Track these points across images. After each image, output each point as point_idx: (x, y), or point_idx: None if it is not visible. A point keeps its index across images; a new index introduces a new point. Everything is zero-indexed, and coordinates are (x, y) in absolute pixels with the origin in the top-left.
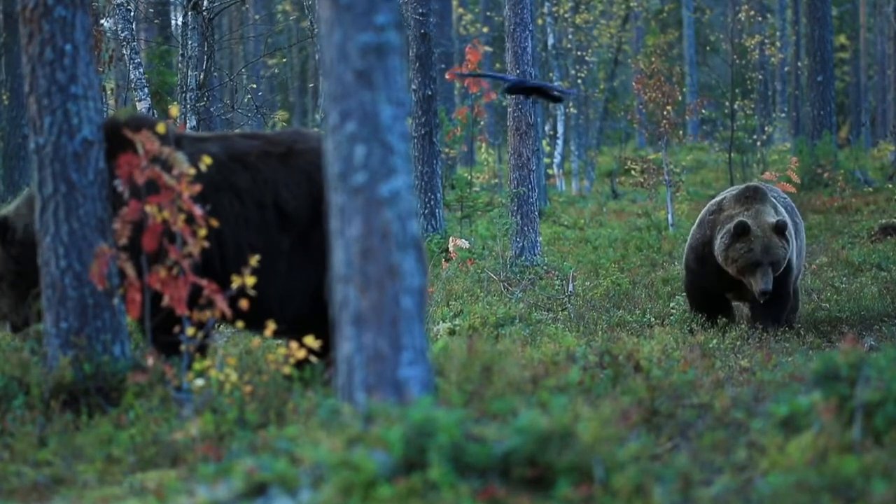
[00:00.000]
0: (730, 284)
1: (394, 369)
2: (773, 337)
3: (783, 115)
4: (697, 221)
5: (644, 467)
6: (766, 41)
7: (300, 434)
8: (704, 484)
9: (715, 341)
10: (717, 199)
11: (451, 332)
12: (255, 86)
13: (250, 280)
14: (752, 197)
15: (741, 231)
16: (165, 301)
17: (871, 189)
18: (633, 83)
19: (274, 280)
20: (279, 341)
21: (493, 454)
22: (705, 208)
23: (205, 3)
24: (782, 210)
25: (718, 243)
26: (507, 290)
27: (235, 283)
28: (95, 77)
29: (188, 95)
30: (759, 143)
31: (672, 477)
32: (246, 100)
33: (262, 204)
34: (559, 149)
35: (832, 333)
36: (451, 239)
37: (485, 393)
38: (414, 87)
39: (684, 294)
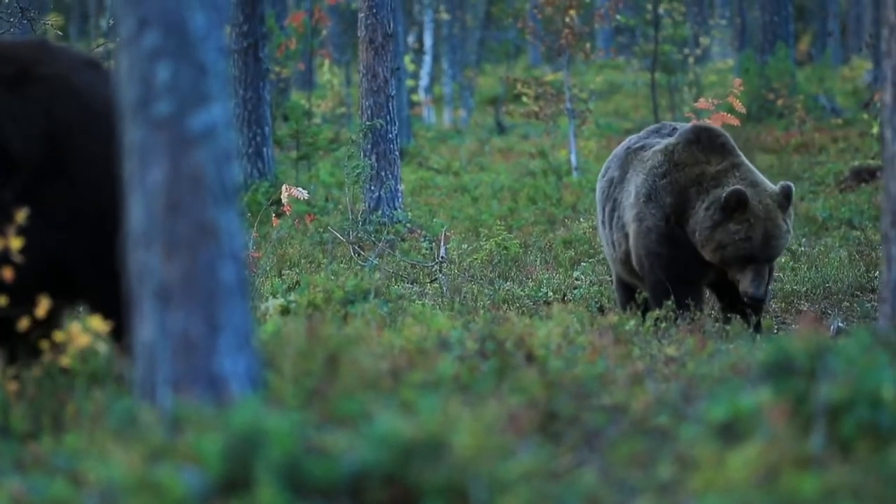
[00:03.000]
0: (708, 273)
1: (209, 359)
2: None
3: (724, 21)
4: (643, 194)
5: (538, 488)
6: None
7: (84, 446)
8: None
9: (632, 323)
10: (656, 150)
11: (285, 311)
12: None
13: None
14: (721, 145)
15: (736, 205)
16: None
17: (840, 120)
18: None
19: None
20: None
21: (340, 471)
22: (643, 173)
23: None
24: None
25: (703, 217)
26: (359, 255)
27: None
28: None
29: None
30: (691, 60)
31: (575, 500)
32: None
33: None
34: (427, 68)
35: (786, 312)
36: (283, 187)
37: (329, 391)
38: None
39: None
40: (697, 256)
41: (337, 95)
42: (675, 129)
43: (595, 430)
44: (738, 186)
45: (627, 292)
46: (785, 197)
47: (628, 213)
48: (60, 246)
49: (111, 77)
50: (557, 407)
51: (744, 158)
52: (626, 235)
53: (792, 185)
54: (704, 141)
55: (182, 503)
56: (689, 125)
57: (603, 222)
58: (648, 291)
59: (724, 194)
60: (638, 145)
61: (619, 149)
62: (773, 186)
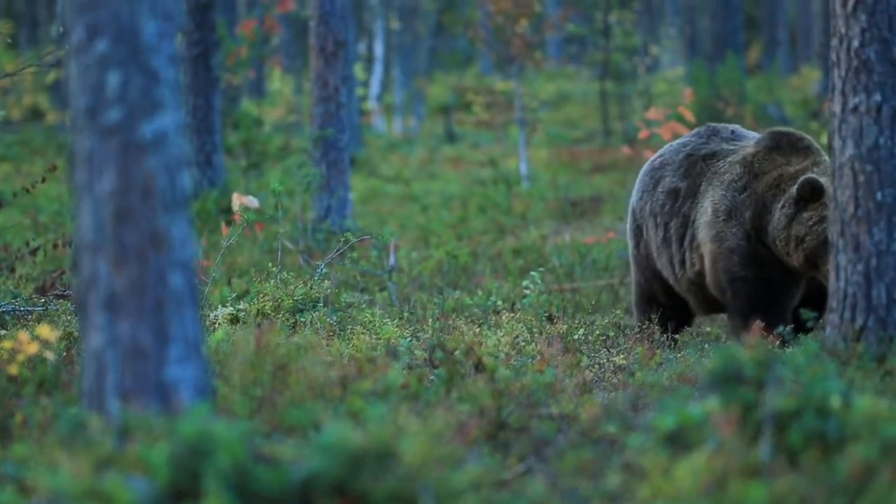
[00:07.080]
0: (796, 293)
1: (158, 368)
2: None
3: (674, 30)
4: (722, 211)
5: (486, 496)
6: None
7: (32, 454)
8: None
9: (581, 331)
10: (732, 161)
11: (234, 320)
12: None
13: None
14: (805, 147)
15: (810, 194)
16: None
17: None
18: None
19: None
20: (2, 332)
21: (289, 479)
22: (721, 188)
23: None
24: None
25: (778, 217)
26: (309, 263)
27: None
28: None
29: None
30: (641, 69)
31: None
32: None
33: None
34: (378, 76)
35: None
36: (233, 195)
37: (278, 400)
38: None
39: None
40: (785, 276)
41: (287, 104)
42: (734, 131)
43: (544, 439)
44: (810, 175)
45: (651, 307)
46: None
47: (704, 232)
48: None
49: None
50: (506, 416)
51: (827, 158)
52: (702, 256)
53: None
54: (785, 145)
55: None
56: (766, 131)
57: (665, 239)
58: (730, 317)
59: (795, 187)
60: (705, 152)
61: (671, 155)
62: None
